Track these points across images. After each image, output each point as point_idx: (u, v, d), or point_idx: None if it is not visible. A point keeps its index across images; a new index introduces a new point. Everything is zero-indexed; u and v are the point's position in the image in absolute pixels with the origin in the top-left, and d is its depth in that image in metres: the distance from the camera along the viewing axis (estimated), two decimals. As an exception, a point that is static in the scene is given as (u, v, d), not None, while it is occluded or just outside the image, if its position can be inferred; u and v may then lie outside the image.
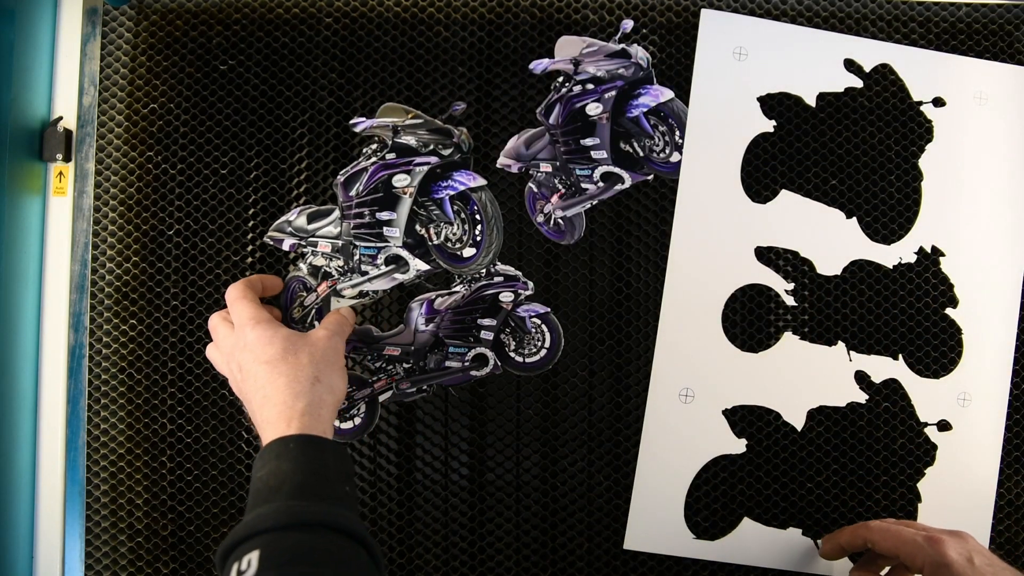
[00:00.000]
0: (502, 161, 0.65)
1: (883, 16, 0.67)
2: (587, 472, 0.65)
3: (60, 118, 0.64)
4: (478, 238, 0.55)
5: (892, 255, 0.66)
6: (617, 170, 0.65)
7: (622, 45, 0.65)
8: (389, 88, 0.65)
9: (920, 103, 0.66)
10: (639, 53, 0.65)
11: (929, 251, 0.66)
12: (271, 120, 0.65)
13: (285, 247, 0.61)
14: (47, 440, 0.64)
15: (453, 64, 0.66)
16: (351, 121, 0.60)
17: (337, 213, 0.59)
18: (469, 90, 0.65)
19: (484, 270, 0.59)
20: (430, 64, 0.66)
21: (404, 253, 0.55)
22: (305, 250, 0.61)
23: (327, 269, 0.60)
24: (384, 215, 0.55)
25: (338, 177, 0.58)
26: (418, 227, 0.54)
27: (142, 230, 0.64)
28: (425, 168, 0.54)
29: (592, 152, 0.65)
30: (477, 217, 0.55)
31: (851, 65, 0.66)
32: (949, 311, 0.66)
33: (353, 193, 0.57)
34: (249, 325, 0.54)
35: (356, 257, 0.58)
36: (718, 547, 0.64)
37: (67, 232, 0.64)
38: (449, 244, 0.54)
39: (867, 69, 0.66)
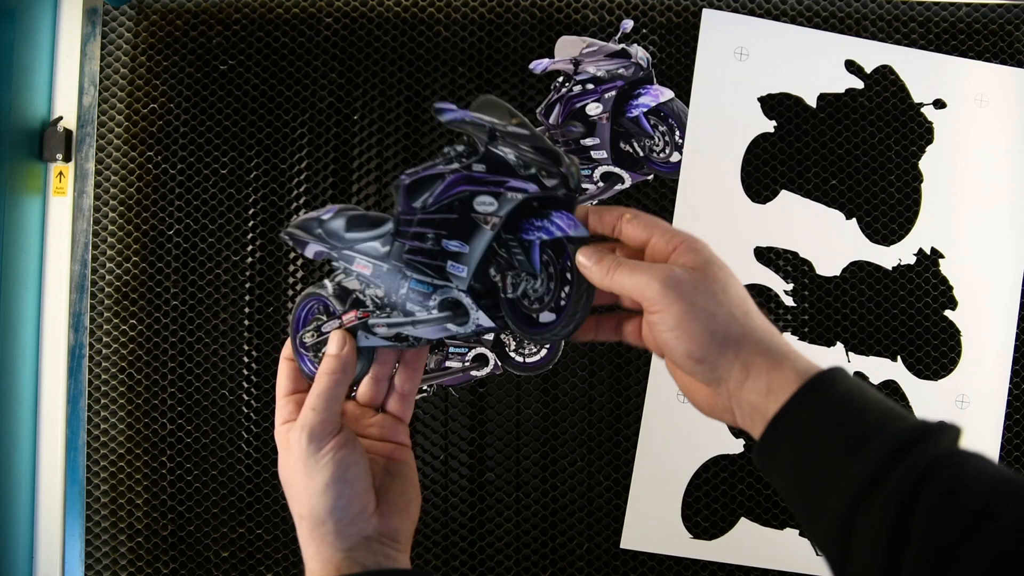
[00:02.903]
0: (502, 161, 0.65)
1: (883, 16, 0.67)
2: (586, 472, 0.65)
3: (60, 118, 0.64)
4: (562, 302, 0.39)
5: (891, 256, 0.66)
6: (617, 170, 0.65)
7: (622, 45, 0.65)
8: (389, 88, 0.65)
9: (921, 105, 0.66)
10: (639, 53, 0.65)
11: (928, 253, 0.66)
12: (271, 120, 0.65)
13: (308, 253, 0.45)
14: (47, 440, 0.64)
15: (453, 64, 0.66)
16: (437, 105, 0.39)
17: (390, 226, 0.42)
18: (469, 90, 0.65)
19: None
20: (430, 64, 0.66)
21: (467, 301, 0.39)
22: (336, 264, 0.45)
23: (360, 296, 0.44)
24: (453, 245, 0.39)
25: (402, 177, 0.40)
26: (492, 271, 0.39)
27: (142, 230, 0.64)
28: (519, 197, 0.37)
29: (592, 152, 0.65)
30: (567, 276, 0.38)
31: (852, 66, 0.66)
32: (948, 313, 0.66)
33: (418, 204, 0.40)
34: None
35: (403, 290, 0.41)
36: (715, 547, 0.64)
37: (67, 232, 0.64)
38: (526, 302, 0.39)
39: (868, 70, 0.66)
